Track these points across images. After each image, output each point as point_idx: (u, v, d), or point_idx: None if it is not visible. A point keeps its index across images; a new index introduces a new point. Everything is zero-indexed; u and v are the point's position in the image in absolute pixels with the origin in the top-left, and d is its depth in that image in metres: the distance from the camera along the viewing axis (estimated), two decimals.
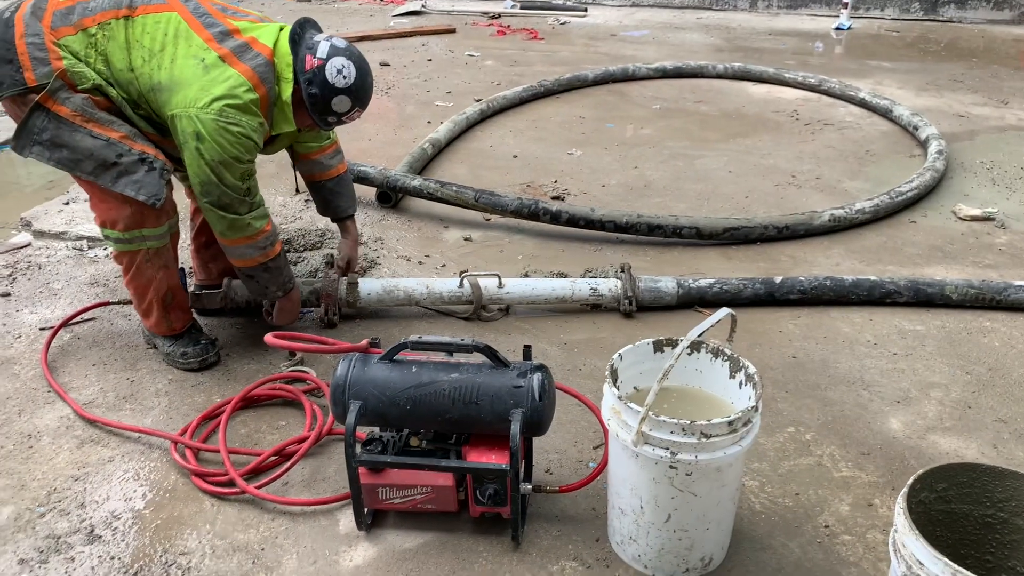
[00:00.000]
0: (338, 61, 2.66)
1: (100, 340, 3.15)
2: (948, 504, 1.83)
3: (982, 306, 3.28)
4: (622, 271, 3.31)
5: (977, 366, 2.96)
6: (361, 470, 2.17)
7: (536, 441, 2.45)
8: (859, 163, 4.80)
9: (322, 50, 2.67)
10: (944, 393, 2.82)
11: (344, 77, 2.66)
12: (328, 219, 3.37)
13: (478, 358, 2.21)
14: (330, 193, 3.25)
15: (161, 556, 2.20)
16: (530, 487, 2.22)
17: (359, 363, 2.20)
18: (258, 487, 2.36)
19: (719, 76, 6.36)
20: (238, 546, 2.23)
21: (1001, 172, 4.64)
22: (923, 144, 4.88)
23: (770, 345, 3.09)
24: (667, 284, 3.28)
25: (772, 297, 3.29)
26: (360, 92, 2.73)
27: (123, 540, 2.25)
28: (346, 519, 2.30)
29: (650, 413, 1.89)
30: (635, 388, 2.20)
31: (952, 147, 4.88)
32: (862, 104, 5.66)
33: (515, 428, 2.07)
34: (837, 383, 2.87)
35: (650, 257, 3.75)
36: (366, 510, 2.24)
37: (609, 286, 3.27)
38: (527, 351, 2.29)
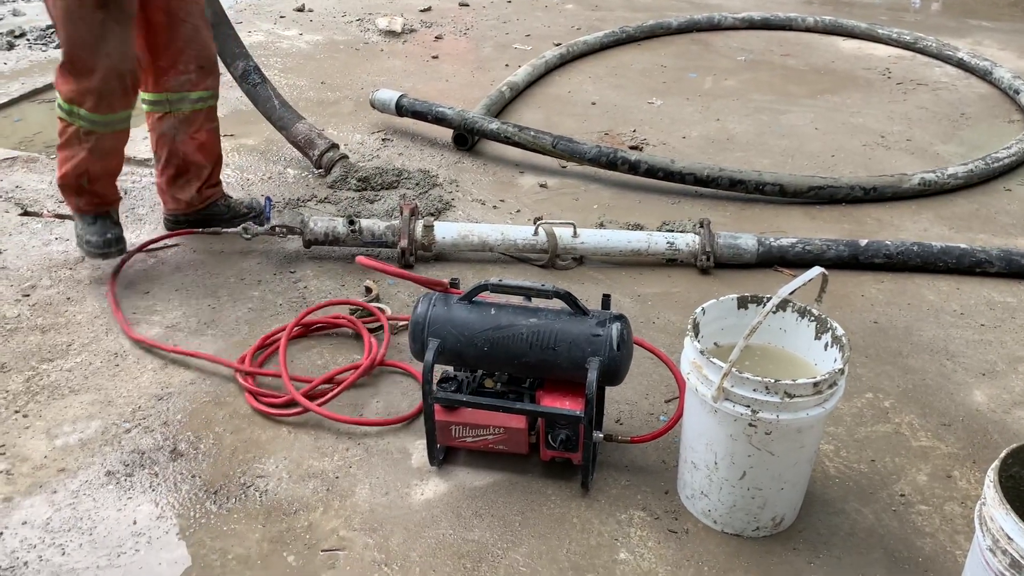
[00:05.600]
0: None
1: (183, 266, 3.23)
2: None
3: None
4: (700, 226, 3.24)
5: None
6: (439, 408, 2.20)
7: (608, 391, 2.45)
8: (953, 126, 4.60)
9: None
10: None
11: None
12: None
13: (557, 304, 2.19)
14: None
15: (240, 477, 2.27)
16: (601, 435, 2.22)
17: (439, 302, 2.21)
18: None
19: (808, 29, 6.12)
20: (313, 473, 2.29)
21: None
22: None
23: (851, 309, 3.01)
24: (747, 241, 3.21)
25: (856, 260, 3.19)
26: None
27: (204, 460, 2.32)
28: (418, 454, 2.34)
29: (733, 369, 1.86)
30: (715, 344, 2.17)
31: None
32: (959, 64, 5.39)
33: (592, 376, 2.06)
34: (920, 351, 2.79)
35: (730, 213, 3.67)
36: (438, 446, 2.28)
37: (687, 241, 3.21)
38: (606, 300, 2.27)
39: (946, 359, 2.75)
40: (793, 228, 3.53)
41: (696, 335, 2.06)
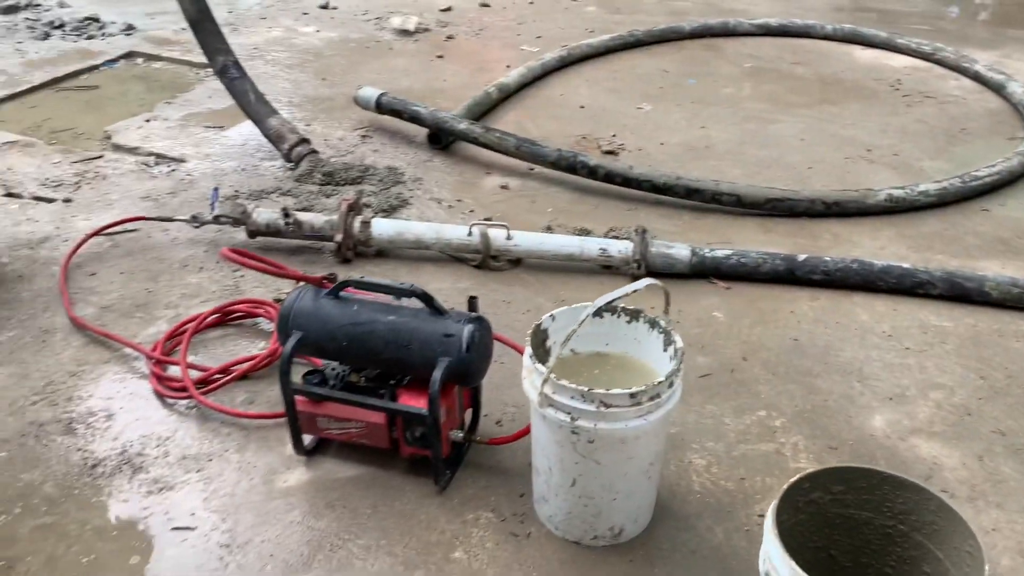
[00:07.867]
0: None
1: (134, 251, 3.37)
2: (846, 508, 1.73)
3: None
4: (636, 233, 3.22)
5: (996, 371, 2.72)
6: (303, 399, 2.26)
7: (493, 392, 2.48)
8: (948, 141, 4.42)
9: None
10: (946, 395, 2.62)
11: None
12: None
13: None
14: None
15: (120, 455, 2.38)
16: (460, 435, 2.25)
17: (308, 295, 2.27)
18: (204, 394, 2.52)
19: (826, 37, 5.95)
20: (192, 454, 2.39)
21: None
22: None
23: (776, 325, 2.95)
24: (680, 251, 3.17)
25: (792, 275, 3.12)
26: None
27: (94, 437, 2.44)
28: None
29: (551, 376, 1.86)
30: (572, 351, 2.17)
31: None
32: (975, 77, 5.17)
33: (436, 375, 2.09)
34: (832, 372, 2.72)
35: (683, 222, 3.62)
36: (309, 437, 2.34)
37: (619, 247, 3.20)
38: (472, 302, 2.29)
39: (856, 381, 2.68)
40: (745, 240, 3.47)
41: (543, 341, 2.07)
